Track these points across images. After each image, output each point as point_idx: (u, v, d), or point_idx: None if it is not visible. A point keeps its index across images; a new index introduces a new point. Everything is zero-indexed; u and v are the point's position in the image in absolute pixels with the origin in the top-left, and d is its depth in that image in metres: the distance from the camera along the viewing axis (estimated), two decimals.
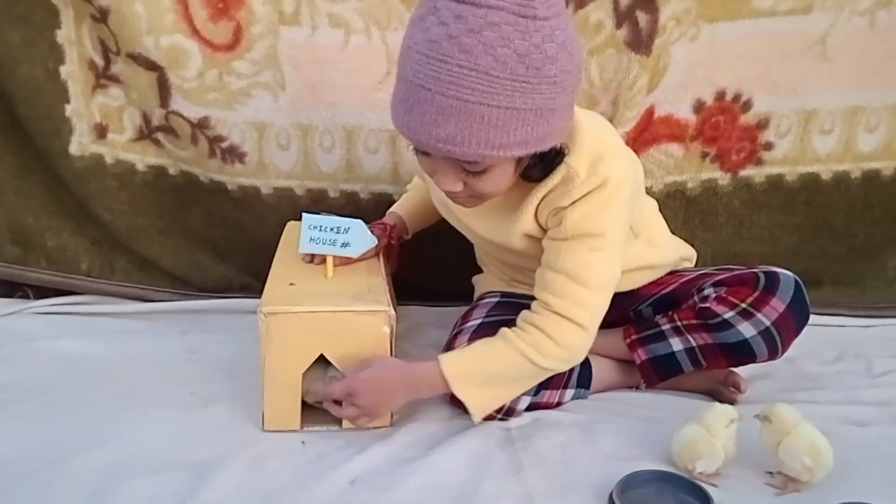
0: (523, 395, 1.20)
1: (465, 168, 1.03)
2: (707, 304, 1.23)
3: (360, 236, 1.26)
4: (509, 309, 1.27)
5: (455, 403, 1.21)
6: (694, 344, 1.25)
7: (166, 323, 1.58)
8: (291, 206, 1.62)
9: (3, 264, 1.61)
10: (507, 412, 1.21)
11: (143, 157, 1.61)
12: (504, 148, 0.98)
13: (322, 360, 1.17)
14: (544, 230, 1.16)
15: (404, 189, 1.55)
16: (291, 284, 1.24)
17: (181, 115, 1.55)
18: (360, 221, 1.25)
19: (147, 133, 1.59)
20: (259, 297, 1.61)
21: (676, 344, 1.26)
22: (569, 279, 1.11)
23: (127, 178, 1.60)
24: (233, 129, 1.57)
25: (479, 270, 1.51)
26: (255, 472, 1.08)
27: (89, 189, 1.59)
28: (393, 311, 1.17)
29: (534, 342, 1.11)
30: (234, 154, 1.59)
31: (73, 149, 1.56)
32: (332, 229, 1.24)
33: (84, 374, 1.34)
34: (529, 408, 1.24)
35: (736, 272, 1.27)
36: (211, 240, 1.67)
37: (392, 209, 1.48)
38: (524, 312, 1.15)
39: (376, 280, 1.29)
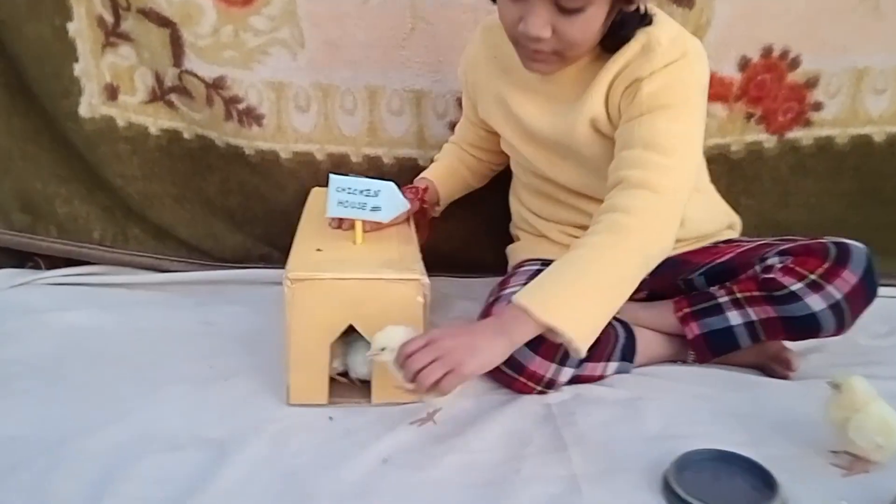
0: (566, 366, 1.12)
1: (560, 6, 0.99)
2: (772, 275, 1.14)
3: (391, 200, 1.18)
4: None
5: (493, 375, 1.13)
6: (754, 318, 1.16)
7: (182, 294, 1.52)
8: (311, 171, 1.56)
9: (11, 233, 1.56)
10: (547, 384, 1.13)
11: (155, 121, 1.54)
12: None
13: (351, 333, 1.10)
14: (611, 122, 1.10)
15: (430, 154, 1.48)
16: (318, 250, 1.17)
17: (195, 75, 1.48)
18: (391, 184, 1.17)
19: (160, 94, 1.52)
20: (278, 267, 1.57)
21: (735, 318, 1.18)
22: (644, 149, 1.05)
23: (139, 143, 1.54)
24: (249, 90, 1.50)
25: (512, 240, 1.44)
26: (278, 449, 1.02)
27: (100, 153, 1.52)
28: (427, 280, 1.09)
29: (609, 225, 1.02)
30: (251, 116, 1.51)
31: (83, 111, 1.49)
32: (361, 192, 1.16)
33: (94, 348, 1.27)
34: (570, 381, 1.15)
35: (802, 242, 1.18)
36: (227, 207, 1.60)
37: (422, 175, 1.41)
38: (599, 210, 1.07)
39: (408, 247, 1.21)
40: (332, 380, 1.12)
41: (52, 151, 1.53)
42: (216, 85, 1.48)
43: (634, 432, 1.06)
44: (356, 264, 1.11)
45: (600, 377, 1.19)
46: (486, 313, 1.17)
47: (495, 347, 0.99)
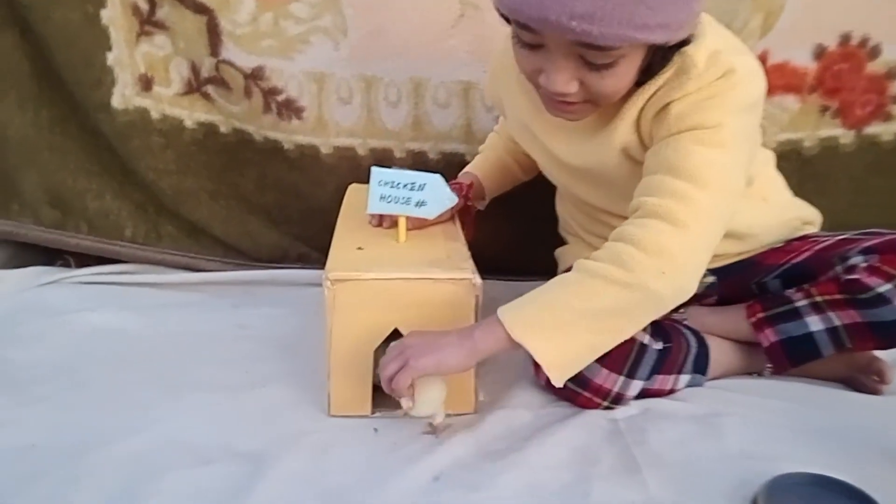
0: (635, 379, 1.02)
1: (587, 60, 0.86)
2: (855, 276, 1.03)
3: (437, 194, 1.08)
4: None
5: (550, 387, 1.03)
6: (837, 323, 1.04)
7: (216, 295, 1.44)
8: (352, 167, 1.47)
9: (40, 229, 1.49)
10: (615, 399, 1.02)
11: (191, 113, 1.47)
12: (647, 30, 0.82)
13: (396, 338, 1.00)
14: (644, 148, 0.98)
15: (478, 149, 1.38)
16: (359, 249, 1.08)
17: (233, 65, 1.40)
18: (437, 176, 1.08)
19: (196, 86, 1.45)
20: (316, 268, 1.50)
21: (815, 323, 1.06)
22: (667, 174, 0.90)
23: (174, 136, 1.47)
24: (289, 81, 1.42)
25: (562, 242, 1.34)
26: (318, 464, 0.93)
27: (133, 147, 1.46)
28: (479, 280, 1.00)
29: (612, 255, 0.88)
30: (290, 109, 1.44)
31: (116, 101, 1.43)
32: (405, 185, 1.07)
33: (121, 352, 1.20)
34: (638, 396, 1.05)
35: (888, 237, 1.06)
36: (264, 205, 1.53)
37: (466, 170, 1.32)
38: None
39: (456, 245, 1.12)
40: (376, 388, 1.03)
41: (82, 144, 1.47)
42: (254, 75, 1.41)
43: (713, 452, 0.95)
44: (401, 263, 1.03)
45: (671, 391, 1.08)
46: None
47: (456, 350, 0.91)
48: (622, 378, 1.01)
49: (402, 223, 1.11)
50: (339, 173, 1.47)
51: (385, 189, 1.07)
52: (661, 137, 0.93)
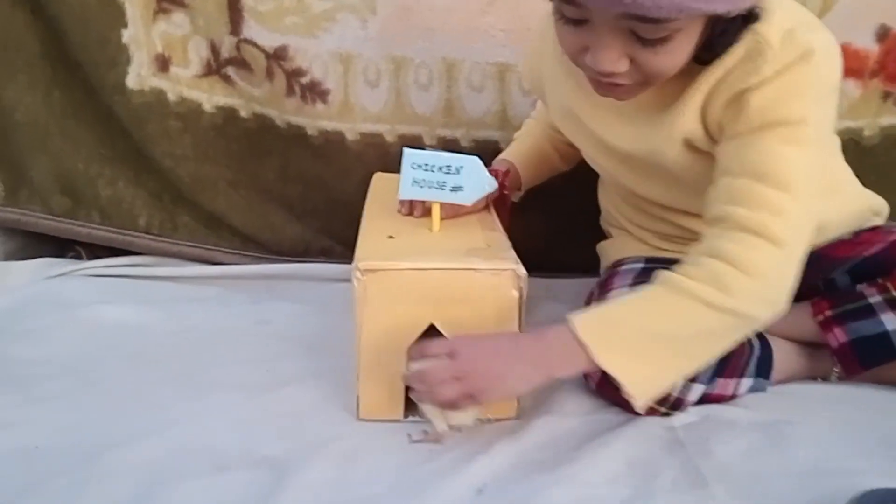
0: (696, 382, 0.93)
1: (638, 35, 0.77)
2: None
3: (475, 178, 1.00)
4: None
5: (603, 391, 0.95)
6: None
7: (234, 290, 1.37)
8: (379, 155, 1.40)
9: (50, 217, 1.42)
10: (673, 404, 0.93)
11: (210, 97, 1.39)
12: (706, 1, 0.73)
13: (431, 334, 0.92)
14: (711, 138, 0.88)
15: (513, 137, 1.30)
16: (391, 237, 1.00)
17: (255, 44, 1.33)
18: (475, 159, 0.99)
19: (216, 67, 1.38)
20: (340, 262, 1.41)
21: (891, 321, 0.96)
22: (755, 181, 0.82)
23: (192, 120, 1.39)
24: (314, 62, 1.34)
25: (603, 236, 1.25)
26: (347, 473, 0.84)
27: (148, 131, 1.38)
28: (523, 271, 0.91)
29: (709, 275, 0.81)
30: (315, 92, 1.36)
31: (131, 82, 1.36)
32: (440, 169, 0.99)
33: (135, 348, 1.13)
34: (698, 401, 0.96)
35: None
36: (286, 195, 1.45)
37: (501, 157, 1.23)
38: (690, 247, 0.87)
39: (494, 234, 1.03)
40: (409, 389, 0.94)
41: (95, 128, 1.40)
42: (277, 56, 1.33)
43: (785, 465, 0.85)
44: (437, 253, 0.94)
45: (731, 396, 0.99)
46: None
47: (530, 376, 0.84)
48: (682, 381, 0.92)
49: (435, 210, 1.02)
50: (365, 161, 1.39)
51: (418, 172, 0.99)
52: (738, 133, 0.84)
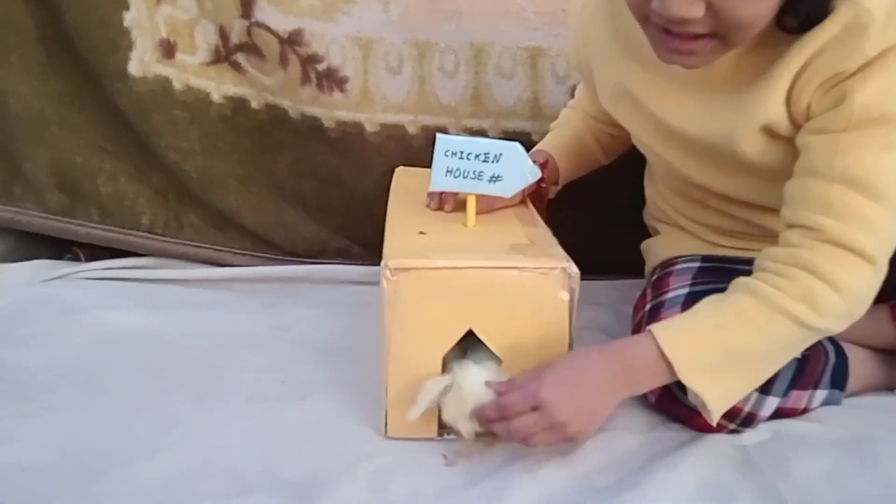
0: (770, 395, 0.83)
1: None
2: None
3: (515, 167, 0.90)
4: (721, 277, 0.89)
5: (664, 406, 0.85)
6: None
7: (245, 293, 1.29)
8: (401, 148, 1.31)
9: (45, 216, 1.33)
10: (745, 420, 0.83)
11: (219, 86, 1.30)
12: None
13: (469, 341, 0.82)
14: (795, 124, 0.79)
15: (547, 128, 1.21)
16: (421, 233, 0.90)
17: (267, 28, 1.24)
18: (516, 145, 0.90)
19: (225, 54, 1.28)
20: (359, 264, 1.35)
21: None
22: (850, 189, 0.73)
23: (199, 111, 1.30)
24: (331, 47, 1.25)
25: (645, 233, 1.15)
26: (376, 498, 0.75)
27: (152, 122, 1.29)
28: (575, 269, 0.81)
29: (803, 292, 0.74)
30: (332, 79, 1.27)
31: (133, 69, 1.26)
32: (477, 157, 0.89)
33: (139, 357, 1.04)
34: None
35: None
36: (300, 192, 1.37)
37: (539, 147, 1.13)
38: (771, 250, 0.78)
39: (537, 230, 0.94)
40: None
41: (95, 118, 1.31)
42: (292, 40, 1.24)
43: (876, 487, 0.76)
44: (476, 250, 0.84)
45: (804, 410, 0.89)
46: (651, 319, 0.88)
47: (615, 401, 0.80)
48: (756, 394, 0.82)
49: (471, 203, 0.93)
50: (385, 155, 1.31)
51: (452, 161, 0.89)
52: (833, 129, 0.74)
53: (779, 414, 0.86)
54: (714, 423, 0.78)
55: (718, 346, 0.76)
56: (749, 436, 0.84)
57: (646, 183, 1.14)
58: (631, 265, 1.19)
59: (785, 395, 0.84)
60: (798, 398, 0.87)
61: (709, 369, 0.76)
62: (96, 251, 1.37)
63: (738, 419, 0.83)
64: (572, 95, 1.20)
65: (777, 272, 0.75)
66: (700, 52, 0.74)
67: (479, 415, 0.78)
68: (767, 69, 0.77)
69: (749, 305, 0.75)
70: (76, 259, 1.37)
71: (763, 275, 0.76)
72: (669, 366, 0.75)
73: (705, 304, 0.78)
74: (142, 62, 1.26)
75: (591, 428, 0.78)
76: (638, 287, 1.24)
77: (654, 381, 0.78)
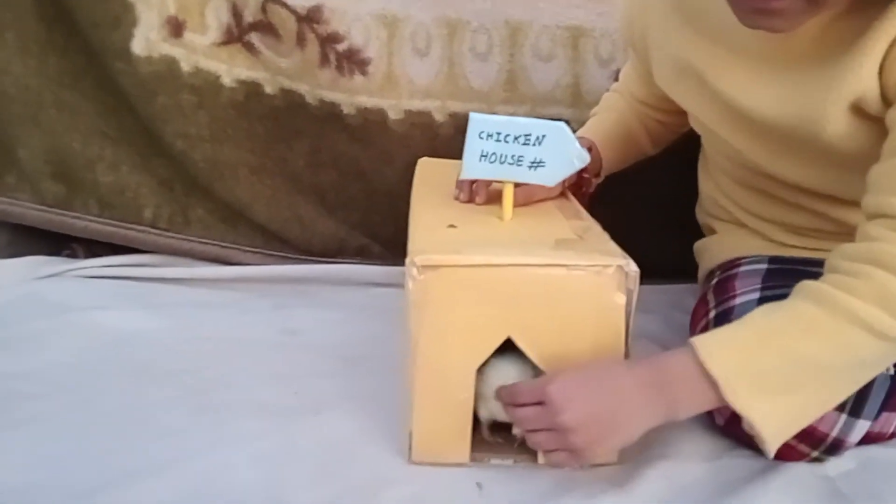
0: (861, 418, 0.71)
1: None
2: None
3: (560, 151, 0.79)
4: (795, 280, 0.78)
5: (734, 430, 0.74)
6: None
7: (256, 294, 1.22)
8: (427, 138, 1.24)
9: (40, 208, 1.26)
10: (831, 447, 0.72)
11: (230, 69, 1.22)
12: None
13: (509, 351, 0.72)
14: (886, 100, 0.68)
15: (588, 115, 1.11)
16: (452, 227, 0.79)
17: (284, 5, 1.16)
18: (561, 125, 0.79)
19: (237, 34, 1.20)
20: (380, 264, 1.26)
21: None
22: None
23: (209, 95, 1.23)
24: (353, 25, 1.18)
25: (697, 233, 1.06)
26: None
27: (157, 106, 1.21)
28: (634, 267, 0.70)
29: (879, 294, 0.62)
30: (353, 61, 1.19)
31: (137, 47, 1.18)
32: (516, 139, 0.78)
33: (136, 363, 0.97)
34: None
35: None
36: (318, 185, 1.30)
37: (580, 133, 1.03)
38: (845, 247, 0.67)
39: (584, 223, 0.83)
40: (478, 426, 0.74)
41: (95, 101, 1.24)
42: (310, 18, 1.16)
43: None
44: (515, 245, 0.74)
45: (893, 435, 0.77)
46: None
47: (642, 425, 0.68)
48: (844, 417, 0.71)
49: (508, 192, 0.82)
50: (409, 145, 1.24)
51: (488, 144, 0.79)
52: None
53: (865, 439, 0.74)
54: (770, 457, 0.67)
55: (774, 362, 0.64)
56: (833, 465, 0.73)
57: (700, 174, 1.03)
58: (681, 268, 1.11)
59: (876, 417, 0.72)
60: (887, 420, 0.75)
61: (762, 389, 0.64)
62: (96, 247, 1.30)
63: (823, 446, 0.72)
64: (617, 80, 1.11)
65: (849, 272, 0.64)
66: (788, 11, 0.64)
67: (497, 391, 0.71)
68: (858, 38, 0.66)
69: (812, 313, 0.64)
70: (74, 255, 1.30)
71: (832, 276, 0.65)
72: (714, 384, 0.64)
73: (759, 313, 0.67)
74: (147, 41, 1.18)
75: (602, 445, 0.68)
76: (690, 292, 1.14)
77: (696, 403, 0.66)
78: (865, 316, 0.62)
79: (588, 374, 0.68)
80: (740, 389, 0.64)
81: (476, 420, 0.74)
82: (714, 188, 0.99)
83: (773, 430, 0.65)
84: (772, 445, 0.66)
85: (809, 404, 0.67)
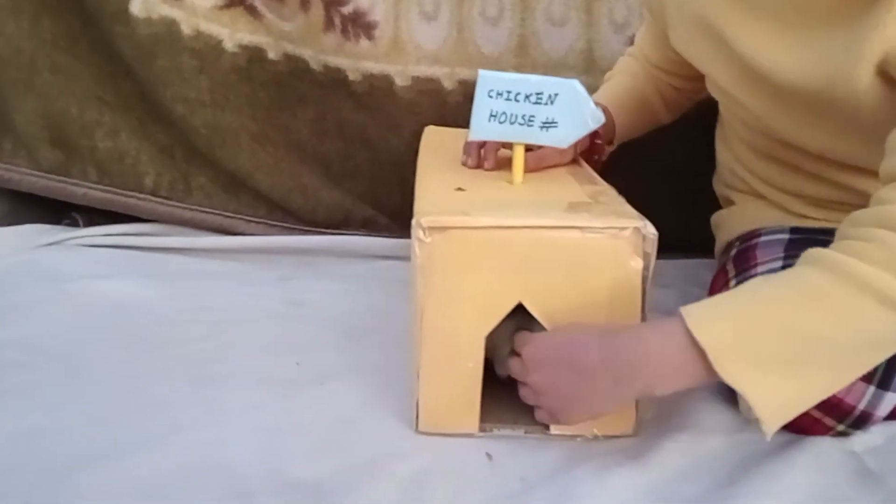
0: (889, 391, 0.68)
1: None
2: None
3: (574, 110, 0.76)
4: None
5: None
6: None
7: (259, 265, 1.19)
8: (435, 105, 1.21)
9: (38, 174, 1.22)
10: (857, 421, 0.68)
11: (233, 33, 1.18)
12: None
13: (519, 316, 0.69)
14: None
15: (601, 82, 1.07)
16: (460, 190, 0.76)
17: None
18: (574, 83, 0.75)
19: None
20: (386, 236, 1.24)
21: None
22: None
23: (210, 59, 1.18)
24: None
25: (713, 204, 1.02)
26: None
27: (157, 69, 1.17)
28: (653, 230, 0.67)
29: (890, 258, 0.57)
30: (359, 25, 1.15)
31: (136, 9, 1.14)
32: (527, 97, 0.75)
33: (135, 332, 0.93)
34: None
35: None
36: (322, 153, 1.26)
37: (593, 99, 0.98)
38: (858, 213, 0.62)
39: (598, 187, 0.79)
40: (488, 392, 0.71)
41: (92, 65, 1.19)
42: None
43: None
44: (527, 207, 0.70)
45: None
46: None
47: (616, 397, 0.65)
48: (872, 389, 0.67)
49: (518, 153, 0.79)
50: (417, 113, 1.20)
51: (498, 103, 0.75)
52: None
53: (893, 414, 0.71)
54: (768, 438, 0.61)
55: (772, 334, 0.59)
56: (859, 440, 0.70)
57: (718, 144, 0.99)
58: (697, 242, 1.07)
59: None
60: None
61: (758, 362, 0.59)
62: (96, 216, 1.26)
63: (850, 419, 0.68)
64: (632, 44, 1.06)
65: (859, 237, 0.59)
66: None
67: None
68: None
69: (817, 280, 0.58)
70: (74, 225, 1.26)
71: (841, 243, 0.60)
72: (701, 356, 0.58)
73: (757, 282, 0.63)
74: (146, 2, 1.14)
75: (569, 416, 0.67)
76: (706, 266, 1.10)
77: (678, 378, 0.61)
78: (876, 282, 0.56)
79: (563, 341, 0.66)
80: (732, 362, 0.58)
81: (485, 388, 0.71)
82: (731, 158, 0.95)
83: (772, 408, 0.59)
84: (770, 426, 0.60)
85: (810, 384, 0.61)
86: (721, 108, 0.95)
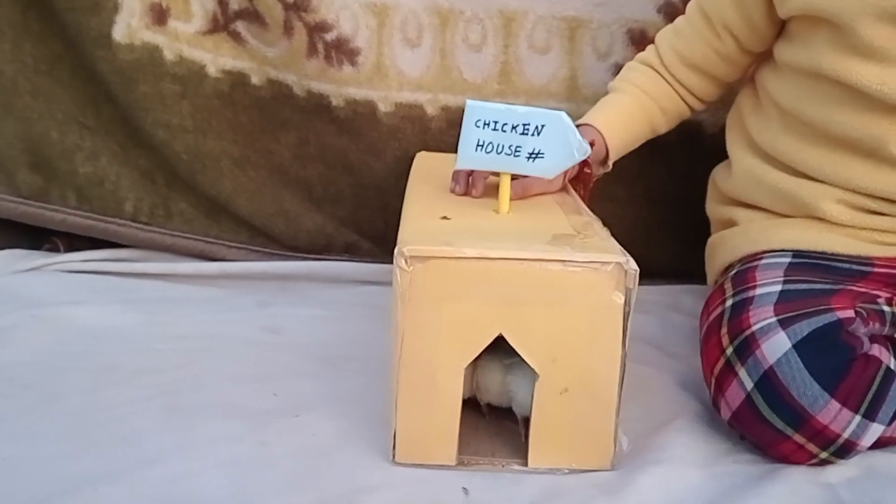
0: (875, 422, 0.68)
1: None
2: None
3: (560, 141, 0.76)
4: (818, 274, 0.76)
5: (737, 428, 0.72)
6: None
7: (239, 291, 1.17)
8: (418, 131, 1.20)
9: (16, 200, 1.20)
10: (840, 449, 0.68)
11: (216, 58, 1.17)
12: None
13: (500, 349, 0.69)
14: None
15: (584, 109, 1.05)
16: (445, 218, 0.76)
17: None
18: (561, 115, 0.76)
19: (223, 22, 1.15)
20: (368, 261, 1.23)
21: None
22: None
23: (193, 85, 1.18)
24: (342, 14, 1.13)
25: (703, 230, 1.02)
26: None
27: (138, 95, 1.16)
28: (634, 266, 0.67)
29: None
30: (342, 51, 1.14)
31: (118, 34, 1.13)
32: (514, 128, 0.76)
33: (108, 360, 0.91)
34: None
35: None
36: (304, 178, 1.24)
37: (585, 119, 0.99)
38: None
39: (583, 219, 0.79)
40: (465, 425, 0.70)
41: (73, 89, 1.18)
42: (297, 6, 1.11)
43: None
44: (510, 238, 0.70)
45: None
46: (734, 317, 0.75)
47: None
48: (858, 418, 0.67)
49: (505, 183, 0.79)
50: (400, 139, 1.19)
51: (485, 133, 0.76)
52: None
53: (875, 443, 0.71)
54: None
55: None
56: (834, 472, 0.70)
57: (734, 151, 0.96)
58: (680, 269, 1.09)
59: (891, 422, 0.69)
60: None
61: None
62: (77, 242, 1.24)
63: (834, 447, 0.68)
64: (615, 74, 1.06)
65: None
66: None
67: None
68: None
69: None
70: (55, 250, 1.24)
71: None
72: None
73: None
74: (128, 27, 1.13)
75: None
76: (688, 292, 1.11)
77: None
78: None
79: None
80: None
81: (463, 421, 0.70)
82: (760, 162, 0.90)
83: None
84: None
85: None
86: (764, 91, 0.91)
